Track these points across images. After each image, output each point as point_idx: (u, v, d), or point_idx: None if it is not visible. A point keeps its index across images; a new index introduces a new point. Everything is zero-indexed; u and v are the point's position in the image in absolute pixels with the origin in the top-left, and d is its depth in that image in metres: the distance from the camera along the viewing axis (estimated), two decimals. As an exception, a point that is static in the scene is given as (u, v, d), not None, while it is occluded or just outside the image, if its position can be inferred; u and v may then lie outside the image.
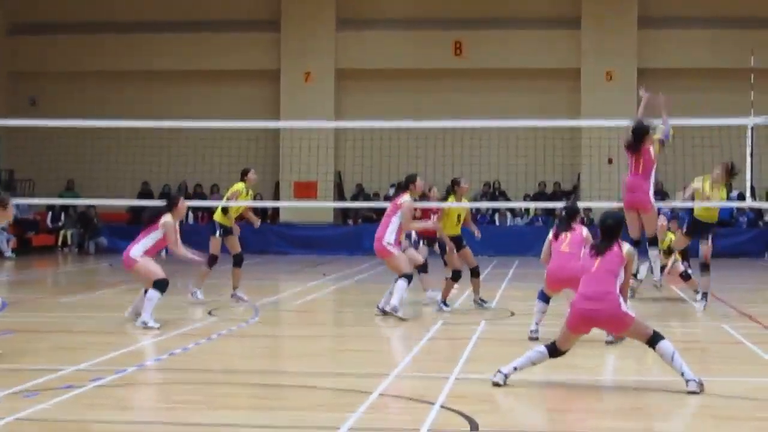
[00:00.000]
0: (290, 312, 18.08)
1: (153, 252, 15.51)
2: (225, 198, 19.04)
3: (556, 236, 13.56)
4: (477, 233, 18.43)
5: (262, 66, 35.51)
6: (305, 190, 33.42)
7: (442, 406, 9.31)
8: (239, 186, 18.73)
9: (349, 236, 31.82)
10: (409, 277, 15.89)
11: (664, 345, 10.04)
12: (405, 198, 16.41)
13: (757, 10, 33.30)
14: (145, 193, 33.46)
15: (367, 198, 32.83)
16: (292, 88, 35.00)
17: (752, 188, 19.43)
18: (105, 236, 33.41)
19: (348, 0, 35.26)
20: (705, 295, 17.47)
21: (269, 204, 34.05)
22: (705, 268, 17.25)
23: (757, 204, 21.15)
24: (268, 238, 33.07)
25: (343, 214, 34.97)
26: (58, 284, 23.18)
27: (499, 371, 10.22)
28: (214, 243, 18.39)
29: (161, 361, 11.95)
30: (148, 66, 35.57)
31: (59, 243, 33.73)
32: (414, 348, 13.00)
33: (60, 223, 34.12)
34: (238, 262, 18.45)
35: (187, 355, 12.53)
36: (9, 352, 12.28)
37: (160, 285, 14.91)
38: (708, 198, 17.25)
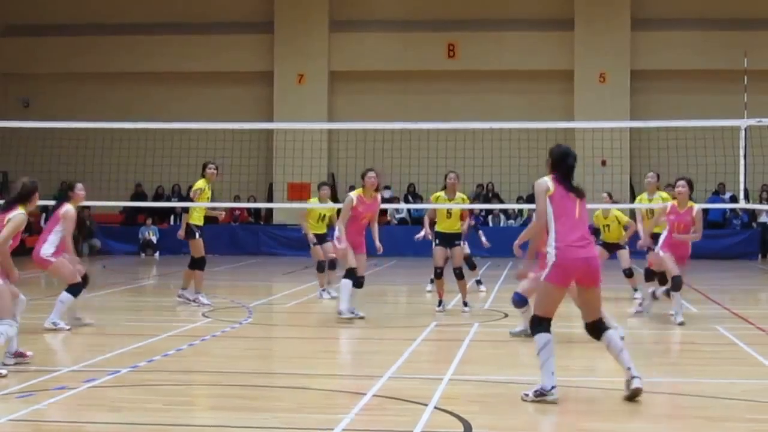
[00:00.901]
0: (283, 313, 18.10)
1: (63, 248, 14.94)
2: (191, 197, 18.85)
3: None
4: (463, 235, 18.58)
5: (255, 68, 35.55)
6: (299, 192, 33.40)
7: (435, 408, 9.33)
8: (199, 183, 18.55)
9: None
10: (349, 275, 15.80)
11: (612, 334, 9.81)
12: (350, 193, 16.43)
13: (749, 12, 33.36)
14: (139, 195, 33.48)
15: (360, 199, 32.71)
16: (286, 90, 35.02)
17: (746, 190, 19.41)
18: (99, 238, 33.42)
19: (341, 2, 35.30)
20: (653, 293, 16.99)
21: (263, 205, 34.11)
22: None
23: (750, 206, 21.21)
24: (262, 240, 33.14)
25: (337, 215, 34.93)
26: (51, 286, 23.14)
27: (543, 392, 9.55)
28: (196, 245, 18.24)
29: (154, 362, 11.94)
30: (141, 68, 35.59)
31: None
32: (407, 349, 12.99)
33: (54, 225, 34.12)
34: (195, 265, 18.22)
35: (180, 356, 12.55)
36: (3, 354, 12.27)
37: (74, 289, 14.69)
38: (652, 212, 17.41)
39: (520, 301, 13.38)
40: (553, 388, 9.53)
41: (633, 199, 31.78)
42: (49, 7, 36.06)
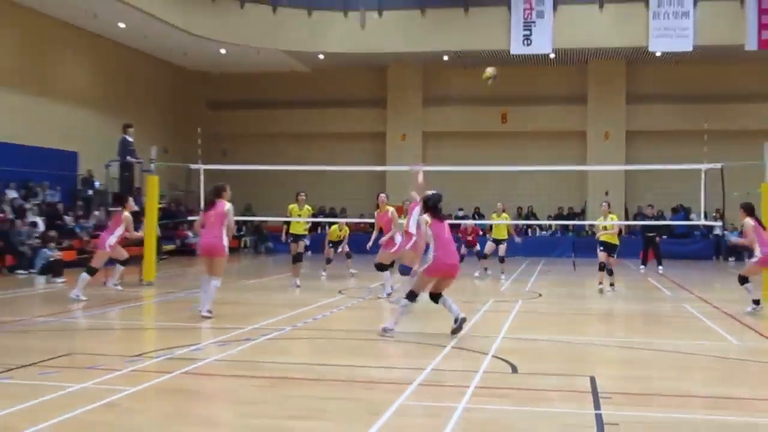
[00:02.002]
0: (393, 292, 18.17)
1: (121, 241, 15.49)
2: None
3: None
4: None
5: (373, 130, 35.68)
6: (401, 212, 33.44)
7: (493, 356, 9.33)
8: (290, 207, 18.53)
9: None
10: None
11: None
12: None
13: (708, 90, 32.77)
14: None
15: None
16: (393, 145, 35.11)
17: (705, 212, 19.08)
18: (271, 242, 33.80)
19: (430, 85, 35.31)
20: (613, 285, 17.83)
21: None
22: (610, 272, 17.78)
23: (707, 223, 20.85)
24: (377, 244, 33.17)
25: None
26: (240, 273, 23.49)
27: (389, 329, 10.84)
28: (293, 246, 18.31)
29: (307, 323, 12.09)
30: (299, 130, 35.99)
31: (241, 246, 34.22)
32: (475, 317, 13.00)
33: (242, 233, 34.62)
34: (297, 259, 18.18)
35: (324, 320, 12.68)
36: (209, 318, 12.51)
37: (91, 270, 14.98)
38: (605, 228, 17.88)
39: (406, 270, 13.81)
40: (392, 330, 10.83)
41: (626, 217, 31.42)
42: (240, 90, 36.68)
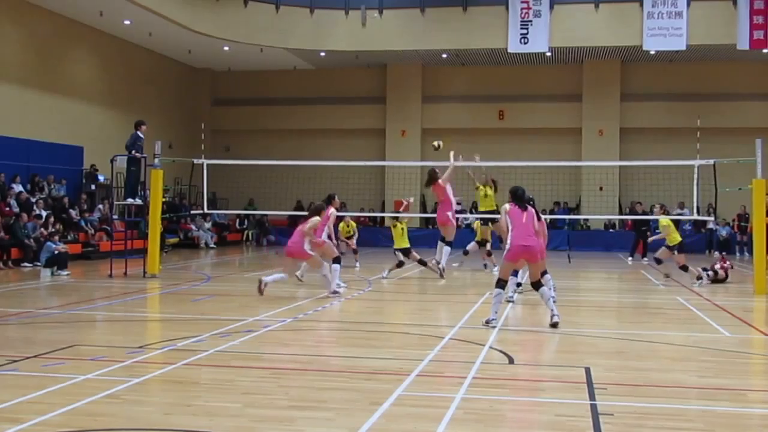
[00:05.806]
0: (392, 284, 18.11)
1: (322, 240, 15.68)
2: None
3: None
4: None
5: (374, 126, 35.62)
6: (400, 206, 33.40)
7: (490, 347, 9.28)
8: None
9: (429, 236, 31.51)
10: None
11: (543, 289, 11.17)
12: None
13: (700, 89, 32.76)
14: (299, 208, 33.66)
15: (441, 211, 32.57)
16: (393, 141, 35.05)
17: (698, 207, 19.03)
18: (273, 235, 33.75)
19: (429, 83, 35.23)
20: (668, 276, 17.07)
21: (378, 214, 34.11)
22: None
23: (700, 217, 20.83)
24: (377, 237, 33.14)
25: (425, 221, 34.87)
26: (243, 265, 23.45)
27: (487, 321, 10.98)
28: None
29: (308, 315, 12.04)
30: (301, 126, 35.91)
31: (244, 239, 34.15)
32: (472, 308, 12.94)
33: (244, 226, 34.54)
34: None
35: (325, 311, 12.64)
36: (211, 309, 12.45)
37: (336, 259, 15.58)
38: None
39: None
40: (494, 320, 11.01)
41: (620, 211, 31.43)
42: (244, 87, 36.62)
